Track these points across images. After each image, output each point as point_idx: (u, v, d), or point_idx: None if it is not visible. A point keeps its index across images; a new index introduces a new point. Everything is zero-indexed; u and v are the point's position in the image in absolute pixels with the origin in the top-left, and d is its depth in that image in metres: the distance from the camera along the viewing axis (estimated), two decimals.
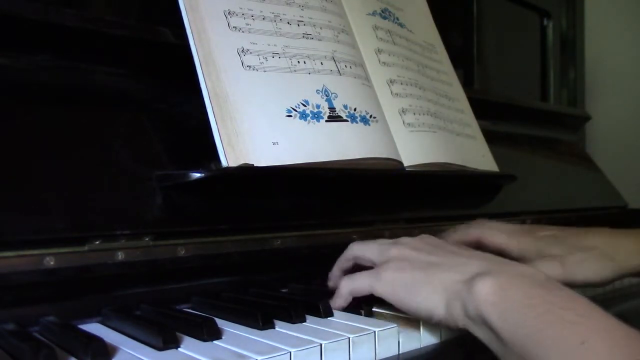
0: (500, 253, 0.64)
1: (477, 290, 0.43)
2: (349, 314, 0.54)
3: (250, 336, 0.47)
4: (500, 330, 0.41)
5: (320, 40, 0.68)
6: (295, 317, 0.51)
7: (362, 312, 0.55)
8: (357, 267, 0.58)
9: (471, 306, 0.44)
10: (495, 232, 0.69)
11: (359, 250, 0.58)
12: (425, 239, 0.57)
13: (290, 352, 0.43)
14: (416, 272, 0.50)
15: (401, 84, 0.77)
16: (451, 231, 0.72)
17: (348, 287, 0.55)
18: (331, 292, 0.57)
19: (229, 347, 0.44)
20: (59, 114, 0.55)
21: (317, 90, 0.64)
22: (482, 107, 0.94)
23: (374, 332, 0.48)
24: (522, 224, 0.98)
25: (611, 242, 0.65)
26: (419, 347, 0.51)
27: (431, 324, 0.50)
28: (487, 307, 0.42)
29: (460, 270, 0.48)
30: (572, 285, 0.65)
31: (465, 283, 0.45)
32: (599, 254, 0.64)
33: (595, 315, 0.39)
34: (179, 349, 0.44)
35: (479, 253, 0.52)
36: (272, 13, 0.65)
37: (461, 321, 0.45)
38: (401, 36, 0.83)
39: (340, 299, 0.55)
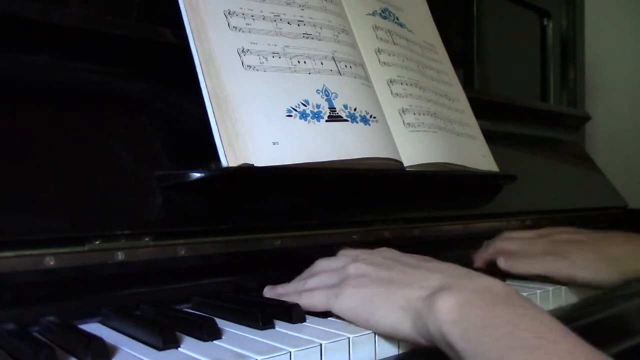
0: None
1: (437, 307, 0.42)
2: None
3: (250, 336, 0.47)
4: (462, 350, 0.40)
5: (320, 40, 0.68)
6: (295, 317, 0.51)
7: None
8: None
9: (433, 325, 0.43)
10: (512, 244, 0.74)
11: (315, 282, 0.56)
12: (383, 253, 0.56)
13: (290, 352, 0.43)
14: (376, 288, 0.49)
15: (401, 84, 0.77)
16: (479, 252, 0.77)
17: (304, 302, 0.53)
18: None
19: (229, 347, 0.44)
20: (59, 114, 0.55)
21: (317, 90, 0.64)
22: (482, 107, 0.94)
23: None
24: (522, 224, 0.98)
25: (619, 249, 0.68)
26: (418, 347, 0.51)
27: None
28: (447, 325, 0.41)
29: (421, 285, 0.46)
30: (573, 283, 0.68)
31: (425, 300, 0.44)
32: (606, 257, 0.67)
33: (557, 336, 0.38)
34: (179, 349, 0.44)
35: (441, 265, 0.51)
36: (272, 13, 0.65)
37: (426, 338, 0.44)
38: (401, 36, 0.83)
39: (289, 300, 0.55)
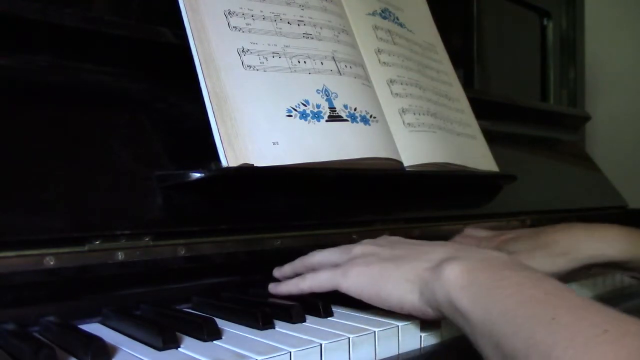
0: None
1: (445, 275, 0.43)
2: (349, 314, 0.54)
3: (250, 336, 0.47)
4: (470, 313, 0.41)
5: (320, 40, 0.68)
6: (295, 317, 0.51)
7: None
8: None
9: (441, 292, 0.43)
10: (466, 240, 0.76)
11: (321, 257, 0.57)
12: (387, 238, 0.57)
13: (290, 352, 0.43)
14: (384, 264, 0.50)
15: (401, 84, 0.77)
16: None
17: (309, 282, 0.54)
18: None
19: (229, 347, 0.44)
20: (59, 113, 0.55)
21: (317, 90, 0.64)
22: (482, 107, 0.94)
23: (374, 332, 0.48)
24: (522, 224, 0.98)
25: (565, 238, 0.69)
26: (418, 347, 0.51)
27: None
28: (456, 291, 0.42)
29: (427, 258, 0.48)
30: None
31: (432, 270, 0.45)
32: (550, 251, 0.68)
33: (565, 294, 0.39)
34: (179, 349, 0.44)
35: (443, 242, 0.52)
36: (273, 13, 0.65)
37: (434, 307, 0.45)
38: (401, 36, 0.83)
39: (294, 289, 0.55)
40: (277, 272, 0.62)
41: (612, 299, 0.75)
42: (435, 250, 0.49)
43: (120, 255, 0.53)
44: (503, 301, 0.39)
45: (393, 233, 0.75)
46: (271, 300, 0.58)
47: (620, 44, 1.68)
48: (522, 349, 0.36)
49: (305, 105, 0.63)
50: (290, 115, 0.61)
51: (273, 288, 0.59)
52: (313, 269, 0.57)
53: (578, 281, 0.73)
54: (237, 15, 0.62)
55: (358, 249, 0.54)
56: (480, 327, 0.40)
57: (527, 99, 1.26)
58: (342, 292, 0.52)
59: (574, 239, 0.68)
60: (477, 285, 0.41)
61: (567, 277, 0.68)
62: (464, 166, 0.81)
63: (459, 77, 0.92)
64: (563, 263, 0.67)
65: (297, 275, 0.58)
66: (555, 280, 0.41)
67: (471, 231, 0.81)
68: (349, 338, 0.46)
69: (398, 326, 0.50)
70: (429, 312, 0.46)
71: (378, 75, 0.75)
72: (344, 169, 0.64)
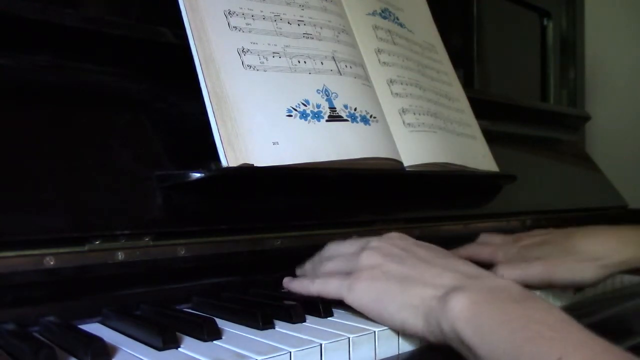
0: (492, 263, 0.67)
1: (451, 307, 0.43)
2: (349, 314, 0.54)
3: (250, 336, 0.47)
4: (476, 347, 0.40)
5: (320, 40, 0.68)
6: (295, 317, 0.51)
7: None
8: None
9: (446, 323, 0.43)
10: (481, 249, 0.73)
11: (332, 266, 0.57)
12: (394, 240, 0.55)
13: (290, 352, 0.43)
14: (390, 284, 0.50)
15: (401, 84, 0.77)
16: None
17: (318, 288, 0.55)
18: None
19: (229, 347, 0.44)
20: (59, 113, 0.55)
21: (317, 90, 0.64)
22: (482, 107, 0.94)
23: (374, 332, 0.48)
24: (522, 224, 0.98)
25: (593, 242, 0.65)
26: (419, 347, 0.51)
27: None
28: (461, 323, 0.42)
29: (435, 283, 0.47)
30: (552, 285, 0.65)
31: (439, 300, 0.45)
32: (579, 257, 0.64)
33: (571, 329, 0.38)
34: (179, 349, 0.44)
35: (453, 262, 0.51)
36: (273, 13, 0.65)
37: (437, 337, 0.45)
38: (401, 36, 0.83)
39: (303, 291, 0.56)
40: (299, 271, 0.63)
41: (612, 299, 0.75)
42: (445, 275, 0.48)
43: (120, 255, 0.53)
44: (508, 337, 0.39)
45: None
46: (271, 300, 0.58)
47: (620, 44, 1.68)
48: None
49: (305, 105, 0.63)
50: (291, 115, 0.61)
51: (287, 282, 0.60)
52: (323, 274, 0.57)
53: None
54: (237, 15, 0.62)
55: (365, 257, 0.53)
56: None
57: (527, 99, 1.26)
58: (347, 304, 0.52)
59: (605, 244, 0.65)
60: (483, 319, 0.41)
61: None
62: (464, 166, 0.81)
63: (459, 77, 0.92)
64: (596, 270, 0.63)
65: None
66: (562, 312, 0.40)
67: (486, 238, 0.77)
68: (349, 338, 0.46)
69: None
70: (432, 339, 0.46)
71: (378, 75, 0.75)
72: (344, 169, 0.64)
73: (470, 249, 0.75)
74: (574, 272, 0.63)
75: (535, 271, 0.63)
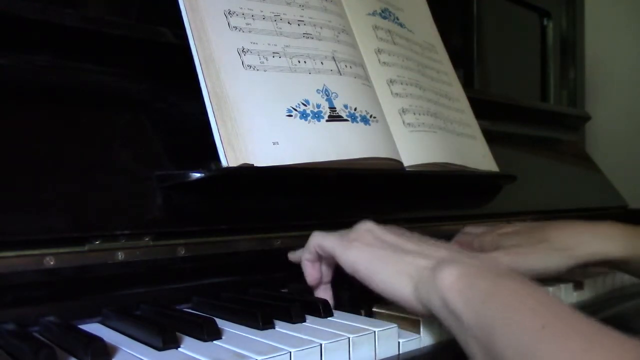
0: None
1: (442, 276, 0.44)
2: (349, 314, 0.54)
3: (250, 336, 0.47)
4: (464, 315, 0.41)
5: (320, 40, 0.68)
6: (295, 317, 0.51)
7: (362, 312, 0.55)
8: None
9: (435, 292, 0.44)
10: (462, 237, 0.75)
11: (321, 237, 0.57)
12: (391, 228, 0.57)
13: (290, 352, 0.43)
14: (385, 250, 0.51)
15: (401, 83, 0.77)
16: None
17: (317, 240, 0.56)
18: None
19: (229, 347, 0.44)
20: (59, 113, 0.55)
21: (317, 90, 0.64)
22: (482, 107, 0.94)
23: (374, 332, 0.48)
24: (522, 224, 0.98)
25: (565, 234, 0.67)
26: (419, 347, 0.51)
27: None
28: (452, 294, 0.43)
29: (429, 255, 0.48)
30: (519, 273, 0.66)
31: (431, 269, 0.46)
32: (549, 246, 0.65)
33: (554, 303, 0.40)
34: (179, 349, 0.44)
35: (445, 244, 0.52)
36: (273, 13, 0.65)
37: (425, 305, 0.46)
38: (401, 36, 0.83)
39: (306, 252, 0.57)
40: (291, 255, 0.63)
41: (612, 299, 0.75)
42: (437, 250, 0.49)
43: (120, 255, 0.53)
44: (497, 307, 0.40)
45: None
46: (271, 300, 0.58)
47: (620, 44, 1.68)
48: (511, 354, 0.37)
49: (305, 105, 0.63)
50: (291, 115, 0.61)
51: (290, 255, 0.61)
52: (319, 247, 0.57)
53: (578, 281, 0.73)
54: (237, 15, 0.62)
55: (363, 227, 0.55)
56: (472, 329, 0.41)
57: (527, 99, 1.26)
58: (339, 263, 0.53)
59: (576, 236, 0.66)
60: (472, 289, 0.42)
61: (565, 275, 0.67)
62: (464, 166, 0.81)
63: (459, 77, 0.92)
64: (563, 259, 0.65)
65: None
66: (546, 290, 0.43)
67: (470, 229, 0.80)
68: (349, 338, 0.46)
69: (398, 326, 0.50)
70: (418, 308, 0.47)
71: (378, 75, 0.75)
72: (344, 169, 0.64)
73: (455, 240, 0.76)
74: (542, 261, 0.65)
75: (500, 260, 0.65)
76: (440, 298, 0.44)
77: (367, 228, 0.54)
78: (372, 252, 0.51)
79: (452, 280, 0.43)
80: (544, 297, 0.40)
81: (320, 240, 0.56)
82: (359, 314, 0.55)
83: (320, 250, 0.56)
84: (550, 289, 0.68)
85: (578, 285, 0.72)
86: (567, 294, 0.71)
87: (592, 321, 0.37)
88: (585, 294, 0.73)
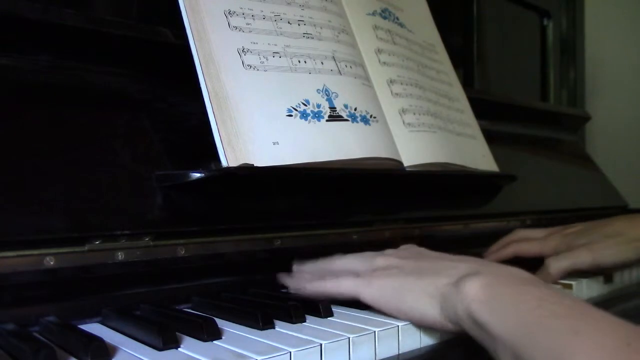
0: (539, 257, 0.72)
1: (465, 290, 0.44)
2: (349, 314, 0.54)
3: (250, 336, 0.47)
4: (491, 326, 0.41)
5: (320, 40, 0.68)
6: (295, 317, 0.51)
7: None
8: None
9: (461, 306, 0.44)
10: (528, 245, 0.77)
11: (343, 263, 0.58)
12: (409, 249, 0.58)
13: (290, 352, 0.43)
14: (407, 277, 0.51)
15: (401, 84, 0.77)
16: (491, 251, 0.80)
17: (330, 286, 0.55)
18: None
19: (229, 347, 0.44)
20: (59, 113, 0.55)
21: (317, 90, 0.64)
22: (482, 107, 0.94)
23: (374, 332, 0.48)
24: (522, 224, 0.98)
25: (632, 226, 0.71)
26: (418, 347, 0.51)
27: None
28: (476, 305, 0.43)
29: (449, 273, 0.48)
30: (602, 268, 0.71)
31: (453, 285, 0.46)
32: (622, 239, 0.70)
33: (584, 307, 0.40)
34: (179, 349, 0.44)
35: (466, 257, 0.52)
36: (273, 13, 0.65)
37: (453, 321, 0.46)
38: (401, 36, 0.83)
39: (312, 290, 0.56)
40: (297, 267, 0.62)
41: (612, 299, 0.75)
42: (457, 266, 0.49)
43: (120, 255, 0.53)
44: (524, 315, 0.40)
45: (393, 233, 0.75)
46: (271, 300, 0.58)
47: (620, 44, 1.68)
48: None
49: (305, 105, 0.63)
50: (291, 115, 0.61)
51: (283, 277, 0.60)
52: (333, 273, 0.57)
53: (578, 281, 0.73)
54: (237, 15, 0.62)
55: (381, 259, 0.55)
56: (501, 339, 0.40)
57: (527, 99, 1.26)
58: (363, 302, 0.53)
59: (635, 230, 0.70)
60: (497, 299, 0.42)
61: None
62: (464, 166, 0.81)
63: (459, 77, 0.92)
64: (635, 250, 0.69)
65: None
66: (572, 295, 0.43)
67: (525, 233, 0.81)
68: (349, 338, 0.46)
69: (398, 326, 0.50)
70: (449, 327, 0.47)
71: (378, 75, 0.75)
72: (344, 169, 0.64)
73: (516, 246, 0.78)
74: (618, 254, 0.69)
75: (584, 257, 0.68)
76: (466, 311, 0.43)
77: (382, 262, 0.54)
78: (393, 283, 0.51)
79: (476, 292, 0.43)
80: (572, 303, 0.40)
81: (333, 289, 0.55)
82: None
83: (337, 296, 0.55)
84: (584, 280, 0.70)
85: (608, 278, 0.75)
86: (599, 285, 0.73)
87: (623, 321, 0.37)
88: (614, 285, 0.76)
